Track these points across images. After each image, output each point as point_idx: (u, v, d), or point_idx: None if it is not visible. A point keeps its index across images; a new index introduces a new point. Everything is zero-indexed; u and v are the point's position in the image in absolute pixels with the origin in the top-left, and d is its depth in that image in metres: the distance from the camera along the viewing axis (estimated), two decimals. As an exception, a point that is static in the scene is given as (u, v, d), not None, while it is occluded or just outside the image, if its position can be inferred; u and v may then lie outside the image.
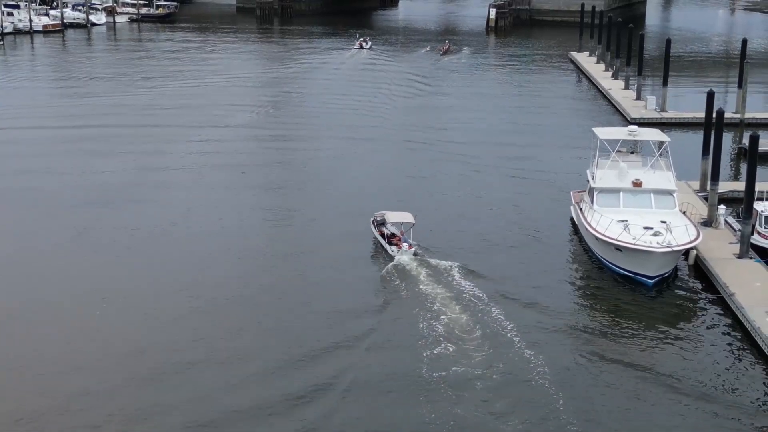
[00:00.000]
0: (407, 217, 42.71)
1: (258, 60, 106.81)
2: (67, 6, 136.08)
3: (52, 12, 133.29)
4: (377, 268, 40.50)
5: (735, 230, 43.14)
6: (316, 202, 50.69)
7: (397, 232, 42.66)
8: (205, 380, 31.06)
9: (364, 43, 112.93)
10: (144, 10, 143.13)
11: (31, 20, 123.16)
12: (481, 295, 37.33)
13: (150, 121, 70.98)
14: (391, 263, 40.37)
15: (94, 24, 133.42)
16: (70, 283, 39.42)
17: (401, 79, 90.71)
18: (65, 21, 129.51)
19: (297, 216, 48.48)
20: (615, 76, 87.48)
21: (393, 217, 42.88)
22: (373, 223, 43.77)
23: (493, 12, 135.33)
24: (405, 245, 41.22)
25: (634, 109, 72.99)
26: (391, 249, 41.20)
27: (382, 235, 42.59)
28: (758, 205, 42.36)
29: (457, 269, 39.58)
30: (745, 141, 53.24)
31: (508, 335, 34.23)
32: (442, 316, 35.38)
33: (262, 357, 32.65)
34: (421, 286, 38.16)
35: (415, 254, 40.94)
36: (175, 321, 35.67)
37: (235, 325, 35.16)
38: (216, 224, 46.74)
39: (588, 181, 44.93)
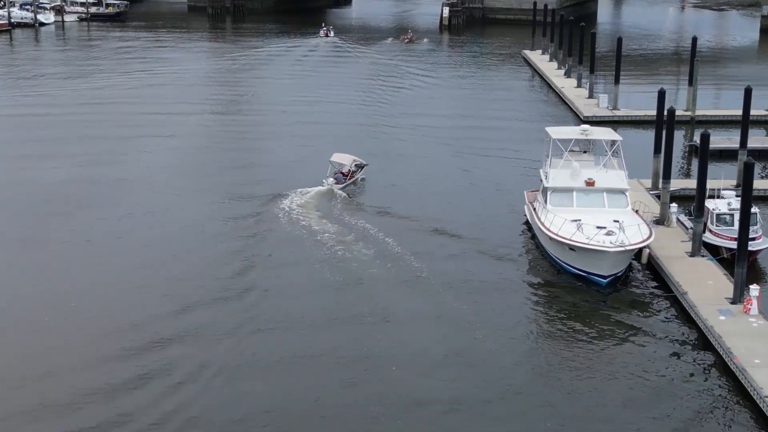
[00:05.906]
0: (345, 159, 51.94)
1: (226, 55, 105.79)
2: (14, 5, 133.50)
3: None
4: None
5: (687, 228, 43.33)
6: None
7: (342, 171, 51.88)
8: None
9: (329, 32, 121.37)
10: (93, 9, 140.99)
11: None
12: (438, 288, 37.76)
13: (100, 119, 70.12)
14: (314, 190, 50.22)
15: (42, 23, 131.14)
16: None
17: (366, 74, 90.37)
18: (12, 20, 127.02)
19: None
20: (567, 75, 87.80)
21: (336, 157, 52.26)
22: (330, 161, 52.56)
23: (446, 10, 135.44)
24: (330, 180, 50.80)
25: (586, 108, 73.29)
26: (324, 180, 50.94)
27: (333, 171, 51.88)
28: (710, 203, 42.60)
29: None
30: (696, 139, 53.56)
31: (460, 334, 34.21)
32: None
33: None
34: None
35: (339, 191, 50.36)
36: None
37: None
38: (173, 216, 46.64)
39: (541, 180, 44.87)
